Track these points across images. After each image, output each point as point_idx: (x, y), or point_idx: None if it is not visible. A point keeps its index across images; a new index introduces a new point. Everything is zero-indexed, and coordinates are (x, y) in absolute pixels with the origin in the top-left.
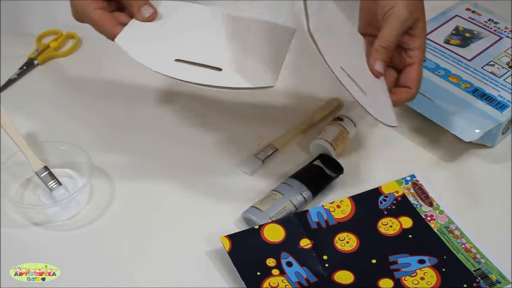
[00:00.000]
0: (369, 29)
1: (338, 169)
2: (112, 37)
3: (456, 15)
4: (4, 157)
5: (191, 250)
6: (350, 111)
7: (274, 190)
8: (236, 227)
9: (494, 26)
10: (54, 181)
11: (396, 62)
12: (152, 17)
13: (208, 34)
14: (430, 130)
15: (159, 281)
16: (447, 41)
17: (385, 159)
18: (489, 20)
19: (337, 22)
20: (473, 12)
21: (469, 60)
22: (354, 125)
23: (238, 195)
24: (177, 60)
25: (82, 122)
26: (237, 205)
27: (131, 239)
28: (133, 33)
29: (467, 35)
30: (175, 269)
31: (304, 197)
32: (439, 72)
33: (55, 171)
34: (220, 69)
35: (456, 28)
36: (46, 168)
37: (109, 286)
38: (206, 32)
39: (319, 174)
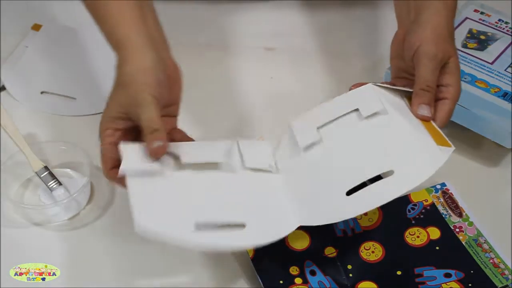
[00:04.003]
0: (401, 73)
1: (376, 178)
2: (107, 177)
3: (467, 18)
4: (4, 157)
5: (199, 255)
6: None
7: None
8: None
9: (506, 27)
10: (54, 181)
11: None
12: (160, 151)
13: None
14: (464, 137)
15: (159, 282)
16: (464, 45)
17: None
18: (499, 20)
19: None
20: (482, 13)
21: (491, 63)
22: None
23: None
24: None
25: (83, 122)
26: None
27: (131, 240)
28: (140, 182)
29: (482, 37)
30: (176, 272)
31: None
32: (465, 79)
33: (55, 171)
34: (243, 225)
35: (470, 31)
36: (46, 168)
37: (109, 287)
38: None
39: None
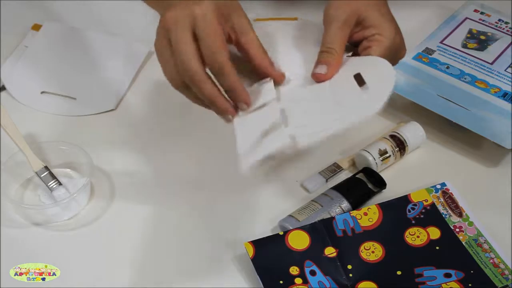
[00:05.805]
0: None
1: (381, 184)
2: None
3: (466, 18)
4: (4, 157)
5: (200, 255)
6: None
7: (313, 201)
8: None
9: (506, 27)
10: (54, 181)
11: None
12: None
13: None
14: (464, 137)
15: (158, 281)
16: (464, 46)
17: (419, 166)
18: (499, 20)
19: None
20: (482, 13)
21: (491, 64)
22: (406, 145)
23: (279, 203)
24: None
25: (83, 122)
26: (276, 213)
27: (132, 240)
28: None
29: (482, 37)
30: (176, 272)
31: (343, 210)
32: (465, 79)
33: (55, 171)
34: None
35: (470, 31)
36: (46, 168)
37: (109, 287)
38: None
39: (361, 188)
